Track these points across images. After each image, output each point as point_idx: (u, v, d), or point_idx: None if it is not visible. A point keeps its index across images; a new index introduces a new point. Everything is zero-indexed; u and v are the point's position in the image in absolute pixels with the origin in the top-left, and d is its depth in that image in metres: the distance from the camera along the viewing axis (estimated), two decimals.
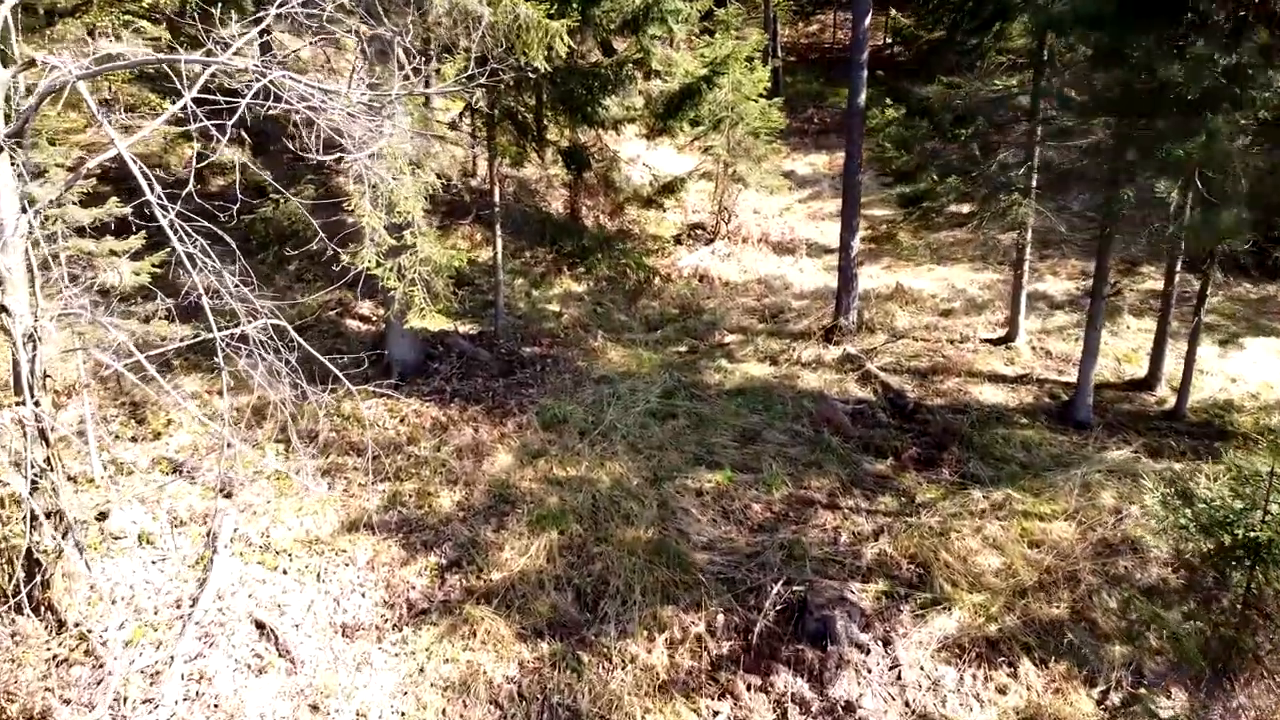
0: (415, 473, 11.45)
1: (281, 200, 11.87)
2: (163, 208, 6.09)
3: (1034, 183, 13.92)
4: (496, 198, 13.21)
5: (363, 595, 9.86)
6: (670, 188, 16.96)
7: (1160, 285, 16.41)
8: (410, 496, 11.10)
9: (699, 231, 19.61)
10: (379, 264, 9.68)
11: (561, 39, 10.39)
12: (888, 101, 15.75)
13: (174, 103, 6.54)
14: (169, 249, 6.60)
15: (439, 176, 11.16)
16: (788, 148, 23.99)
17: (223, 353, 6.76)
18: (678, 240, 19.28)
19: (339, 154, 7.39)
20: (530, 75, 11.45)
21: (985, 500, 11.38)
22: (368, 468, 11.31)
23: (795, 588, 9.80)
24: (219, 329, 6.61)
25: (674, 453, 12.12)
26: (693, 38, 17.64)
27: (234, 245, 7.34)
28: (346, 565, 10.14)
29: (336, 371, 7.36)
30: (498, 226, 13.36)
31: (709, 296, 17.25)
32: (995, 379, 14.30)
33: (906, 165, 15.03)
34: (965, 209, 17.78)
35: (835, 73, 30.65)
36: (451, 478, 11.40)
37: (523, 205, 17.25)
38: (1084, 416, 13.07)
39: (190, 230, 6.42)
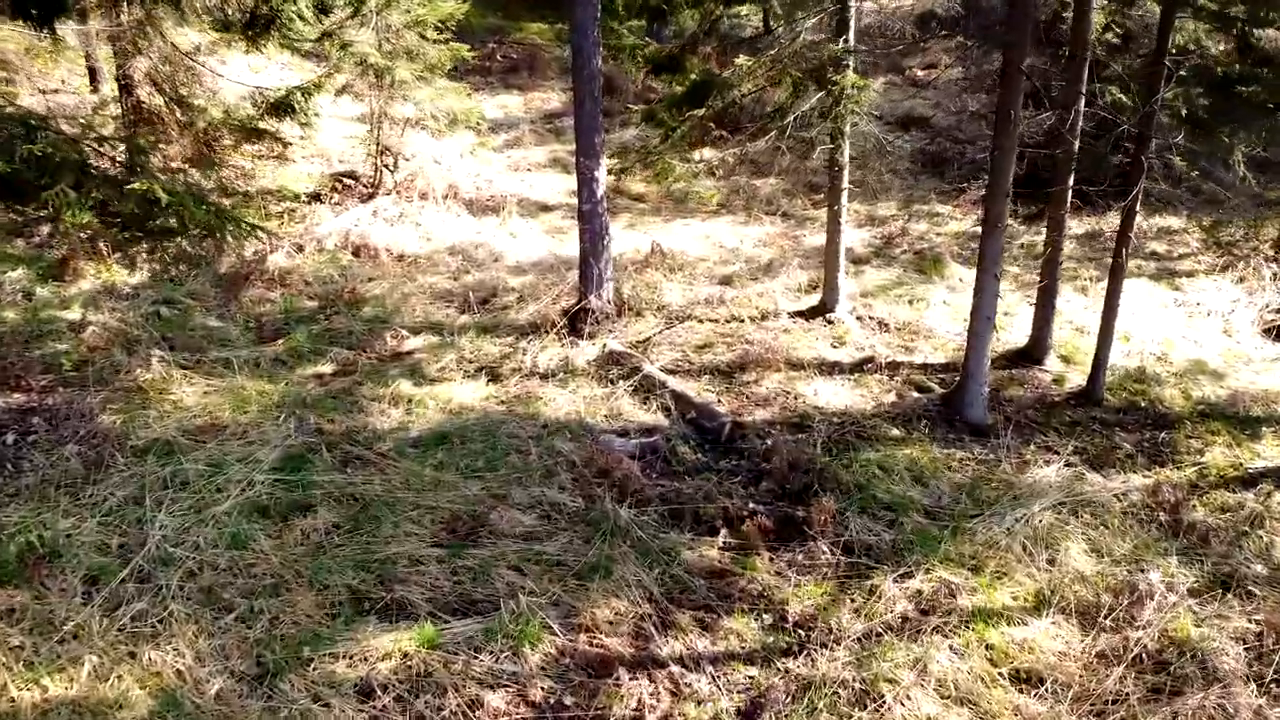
0: None
1: None
2: None
3: (851, 65, 9.13)
4: None
5: None
6: (286, 106, 10.24)
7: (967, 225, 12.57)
8: None
9: (350, 184, 12.95)
10: None
11: None
12: None
13: None
14: None
15: None
16: (469, 87, 18.01)
17: None
18: (316, 198, 12.48)
19: None
20: None
21: (904, 597, 6.28)
22: None
23: None
24: None
25: (306, 595, 5.71)
26: None
27: None
28: None
29: None
30: None
31: (372, 278, 10.78)
32: (828, 369, 9.37)
33: (667, 47, 9.57)
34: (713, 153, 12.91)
35: (514, 5, 25.42)
36: None
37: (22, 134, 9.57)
38: (980, 416, 8.51)
39: None
